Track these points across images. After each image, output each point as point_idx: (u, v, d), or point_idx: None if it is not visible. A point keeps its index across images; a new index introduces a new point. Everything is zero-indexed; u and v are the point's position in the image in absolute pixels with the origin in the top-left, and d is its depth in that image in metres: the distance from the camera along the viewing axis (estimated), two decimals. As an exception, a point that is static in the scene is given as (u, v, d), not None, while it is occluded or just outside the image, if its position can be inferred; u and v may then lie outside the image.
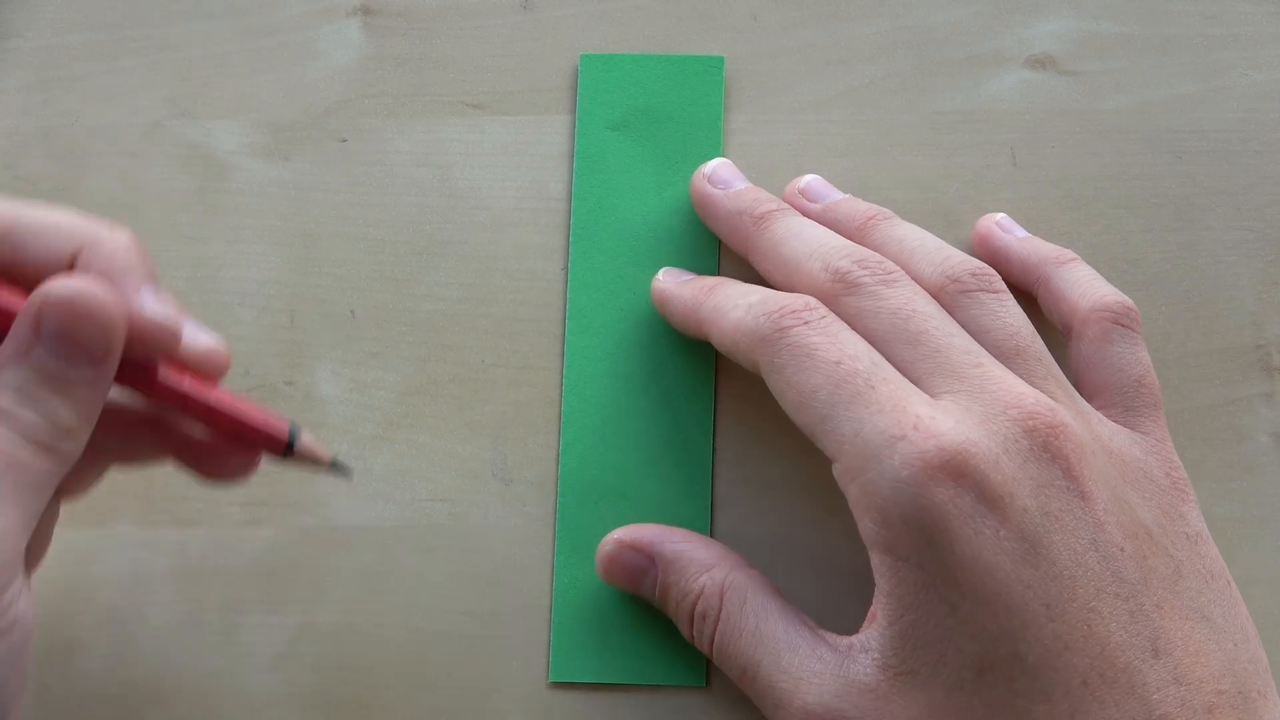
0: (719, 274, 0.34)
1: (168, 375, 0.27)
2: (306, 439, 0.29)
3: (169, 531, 0.33)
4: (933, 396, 0.28)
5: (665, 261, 0.34)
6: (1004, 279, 0.31)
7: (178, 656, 0.32)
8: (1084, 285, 0.32)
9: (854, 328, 0.29)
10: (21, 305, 0.25)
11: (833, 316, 0.29)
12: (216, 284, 0.34)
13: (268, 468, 0.33)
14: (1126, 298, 0.31)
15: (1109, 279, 0.32)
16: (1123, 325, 0.31)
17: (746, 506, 0.33)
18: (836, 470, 0.28)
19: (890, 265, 0.30)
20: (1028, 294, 0.33)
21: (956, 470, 0.26)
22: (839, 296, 0.30)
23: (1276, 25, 0.35)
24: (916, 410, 0.27)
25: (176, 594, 0.33)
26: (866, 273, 0.30)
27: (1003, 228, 0.34)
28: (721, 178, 0.33)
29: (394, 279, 0.34)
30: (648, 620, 0.32)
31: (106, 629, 0.32)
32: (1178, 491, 0.30)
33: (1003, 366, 0.29)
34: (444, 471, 0.33)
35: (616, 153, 0.35)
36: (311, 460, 0.29)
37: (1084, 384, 0.31)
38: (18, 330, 0.25)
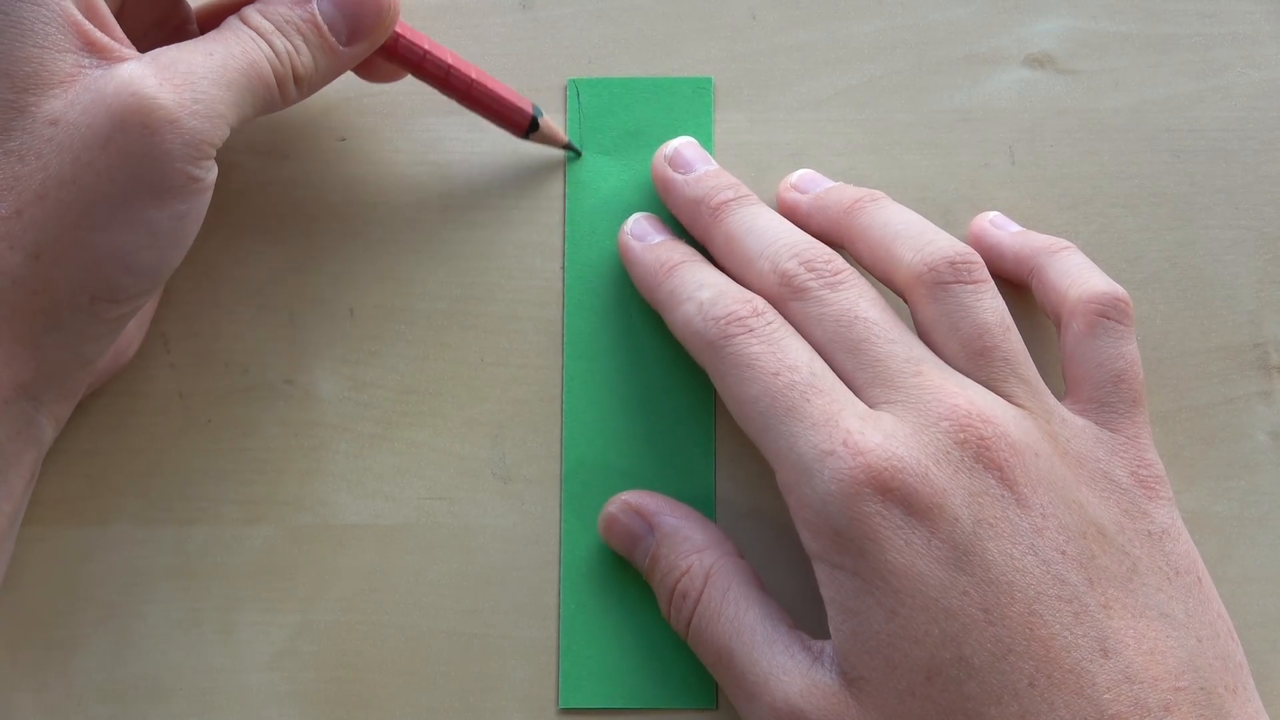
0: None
1: (433, 51, 0.32)
2: (546, 120, 0.34)
3: (168, 530, 0.33)
4: (871, 406, 0.28)
5: None
6: (999, 275, 0.31)
7: (177, 655, 0.32)
8: (1074, 274, 0.31)
9: (802, 333, 0.30)
10: None
11: (780, 322, 0.29)
12: (215, 283, 0.34)
13: (268, 467, 0.33)
14: (1118, 287, 0.31)
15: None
16: (1109, 318, 0.30)
17: (746, 506, 0.33)
18: (777, 481, 0.29)
19: (839, 265, 0.30)
20: (1024, 286, 0.33)
21: (883, 486, 0.27)
22: (787, 300, 0.30)
23: (1275, 24, 0.35)
24: (847, 425, 0.27)
25: (175, 592, 0.33)
26: (812, 275, 0.30)
27: (995, 225, 0.34)
28: (684, 159, 0.33)
29: (392, 278, 0.34)
30: (655, 644, 0.32)
31: (105, 627, 0.32)
32: (1143, 490, 0.29)
33: (947, 370, 0.29)
34: (443, 470, 0.33)
35: (608, 177, 0.35)
36: (550, 139, 0.34)
37: (1066, 376, 0.31)
38: None
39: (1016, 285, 0.33)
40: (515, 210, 0.35)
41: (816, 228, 0.32)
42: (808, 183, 0.34)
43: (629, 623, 0.32)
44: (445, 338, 0.34)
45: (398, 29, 0.31)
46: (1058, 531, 0.27)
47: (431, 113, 0.35)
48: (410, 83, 0.35)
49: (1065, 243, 0.32)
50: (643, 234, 0.33)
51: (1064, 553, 0.27)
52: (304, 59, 0.29)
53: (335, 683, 0.32)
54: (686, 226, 0.33)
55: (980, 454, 0.27)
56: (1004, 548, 0.27)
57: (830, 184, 0.33)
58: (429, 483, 0.33)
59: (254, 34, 0.29)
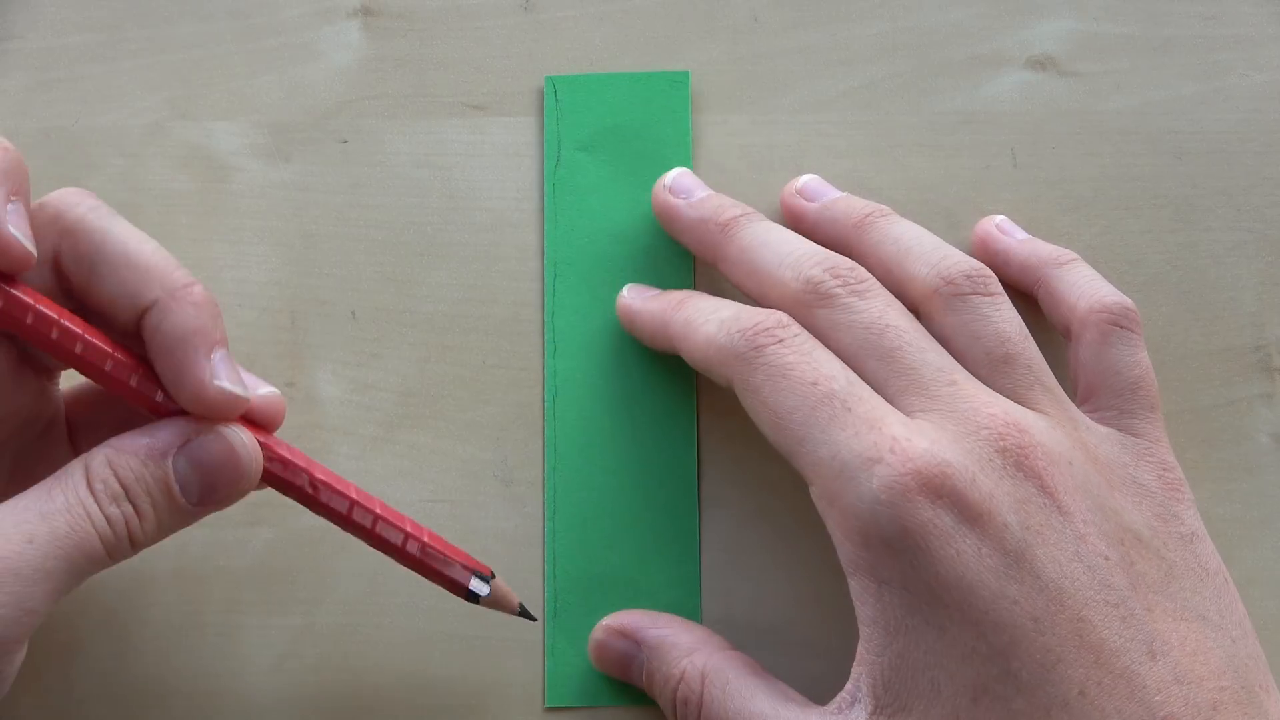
0: (695, 289, 0.34)
1: (357, 509, 0.28)
2: (498, 584, 0.30)
3: (170, 533, 0.33)
4: (907, 415, 0.28)
5: (641, 280, 0.34)
6: (1004, 282, 0.31)
7: (178, 658, 0.32)
8: (1083, 286, 0.31)
9: (826, 341, 0.29)
10: (85, 335, 0.26)
11: (806, 334, 0.29)
12: (217, 285, 0.34)
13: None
14: (1126, 298, 0.31)
15: (1109, 280, 0.32)
16: (1121, 327, 0.31)
17: (733, 510, 0.33)
18: (814, 493, 0.28)
19: (863, 274, 0.30)
20: (1029, 296, 0.33)
21: (934, 490, 0.26)
22: (811, 307, 0.29)
23: (1277, 26, 0.36)
24: (893, 432, 0.27)
25: (177, 595, 0.33)
26: (838, 282, 0.29)
27: (1002, 230, 0.34)
28: (683, 186, 0.33)
29: (394, 280, 0.34)
30: None
31: (107, 630, 0.32)
32: (1171, 493, 0.29)
33: (977, 381, 0.29)
34: (445, 473, 0.33)
35: (586, 173, 0.35)
36: (501, 605, 0.30)
37: (1081, 386, 0.31)
38: (163, 433, 0.26)
39: (1019, 294, 0.33)
40: (516, 212, 0.35)
41: (823, 238, 0.32)
42: (813, 190, 0.33)
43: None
44: (447, 340, 0.34)
45: (361, 500, 0.28)
46: (1099, 538, 0.27)
47: (433, 115, 0.35)
48: (412, 86, 0.35)
49: (1071, 254, 0.32)
50: (638, 294, 0.33)
51: (1107, 558, 0.27)
52: (146, 524, 0.26)
53: (336, 685, 0.32)
54: (695, 247, 0.33)
55: (1020, 462, 0.27)
56: (1052, 554, 0.26)
57: (836, 193, 0.33)
58: (431, 485, 0.33)
59: (91, 502, 0.25)
